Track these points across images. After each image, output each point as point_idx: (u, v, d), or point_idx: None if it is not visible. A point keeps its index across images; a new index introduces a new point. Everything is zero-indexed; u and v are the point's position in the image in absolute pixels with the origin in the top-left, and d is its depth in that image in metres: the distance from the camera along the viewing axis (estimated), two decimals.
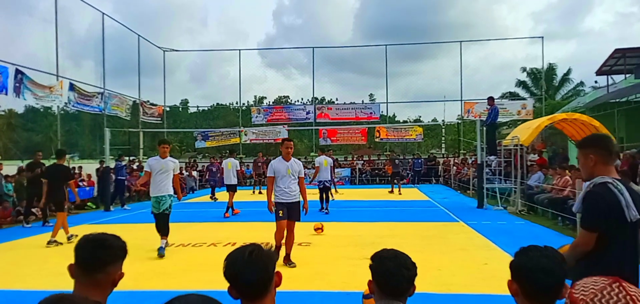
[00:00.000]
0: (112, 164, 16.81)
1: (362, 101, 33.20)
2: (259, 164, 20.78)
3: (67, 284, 1.74)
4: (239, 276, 1.76)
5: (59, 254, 8.37)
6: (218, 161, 20.18)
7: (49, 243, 9.16)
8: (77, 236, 8.94)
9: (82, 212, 15.10)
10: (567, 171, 11.99)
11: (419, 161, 26.89)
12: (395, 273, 1.97)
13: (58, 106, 18.92)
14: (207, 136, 28.83)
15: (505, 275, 1.97)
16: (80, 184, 17.00)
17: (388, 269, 1.98)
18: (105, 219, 13.56)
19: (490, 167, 15.50)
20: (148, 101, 27.21)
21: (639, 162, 11.78)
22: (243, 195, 20.31)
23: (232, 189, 13.79)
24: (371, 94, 37.62)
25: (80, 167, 18.55)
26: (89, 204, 16.41)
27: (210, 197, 18.40)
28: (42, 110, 33.33)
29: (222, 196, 17.16)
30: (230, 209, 13.30)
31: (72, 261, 1.86)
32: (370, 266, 2.04)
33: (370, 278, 2.04)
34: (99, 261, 1.82)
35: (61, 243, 9.26)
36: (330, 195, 14.47)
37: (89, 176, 18.14)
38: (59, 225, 9.59)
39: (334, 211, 13.68)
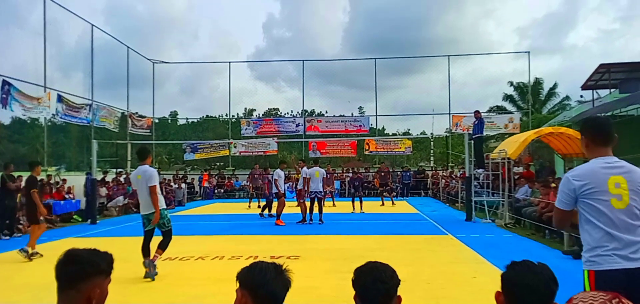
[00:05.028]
0: (99, 177, 16.64)
1: (352, 114, 33.25)
2: (256, 176, 19.78)
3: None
4: (267, 286, 1.80)
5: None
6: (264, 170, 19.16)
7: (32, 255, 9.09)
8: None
9: (68, 225, 14.91)
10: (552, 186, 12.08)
11: (408, 173, 27.01)
12: (371, 287, 1.96)
13: (45, 118, 18.74)
14: (196, 148, 28.69)
15: (493, 288, 1.99)
16: (67, 196, 16.81)
17: (364, 284, 1.98)
18: (91, 232, 13.40)
19: (479, 180, 15.61)
20: (136, 113, 27.04)
21: None
22: (236, 208, 20.20)
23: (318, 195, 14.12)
24: (360, 107, 37.74)
25: (64, 180, 18.28)
26: (75, 217, 16.20)
27: (265, 213, 15.95)
28: (29, 121, 32.92)
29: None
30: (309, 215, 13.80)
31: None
32: (352, 280, 2.03)
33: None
34: (67, 277, 1.77)
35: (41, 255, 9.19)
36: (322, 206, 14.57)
37: (70, 187, 17.78)
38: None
39: (321, 224, 13.68)
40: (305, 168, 14.40)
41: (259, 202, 19.82)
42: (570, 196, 2.93)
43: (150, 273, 7.04)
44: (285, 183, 14.76)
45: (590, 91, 25.22)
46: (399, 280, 2.02)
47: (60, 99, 18.65)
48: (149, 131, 27.80)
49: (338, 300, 5.80)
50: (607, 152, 2.97)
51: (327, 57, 75.09)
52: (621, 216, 2.81)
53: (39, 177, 10.40)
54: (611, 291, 1.76)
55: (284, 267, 1.92)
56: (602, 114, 14.57)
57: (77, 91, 20.95)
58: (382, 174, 21.74)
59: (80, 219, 16.07)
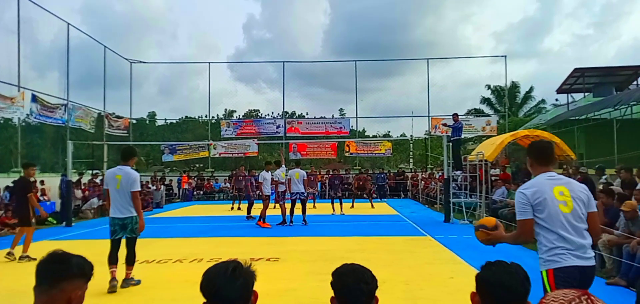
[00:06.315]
0: (75, 178, 16.33)
1: (332, 116, 33.40)
2: (240, 178, 19.33)
3: None
4: (219, 291, 1.74)
5: None
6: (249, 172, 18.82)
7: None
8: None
9: (42, 228, 14.56)
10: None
11: (382, 175, 27.22)
12: (354, 288, 1.96)
13: (19, 118, 18.32)
14: (175, 149, 28.35)
15: (470, 288, 2.02)
16: (42, 198, 16.45)
17: (346, 285, 1.97)
18: (66, 235, 13.15)
19: (457, 182, 15.79)
20: (113, 113, 26.62)
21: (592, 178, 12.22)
22: (216, 210, 20.05)
23: (302, 196, 14.08)
24: (341, 108, 37.88)
25: (42, 181, 17.91)
26: (49, 219, 15.83)
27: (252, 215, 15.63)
28: (2, 122, 32.15)
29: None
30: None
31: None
32: (331, 283, 2.03)
33: (332, 295, 2.03)
34: (52, 275, 1.75)
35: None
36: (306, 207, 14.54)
37: (45, 189, 17.45)
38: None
39: (300, 226, 13.65)
40: (279, 170, 14.24)
41: (239, 204, 19.68)
42: (526, 205, 3.33)
43: (131, 284, 6.83)
44: (271, 184, 14.52)
45: (565, 94, 25.83)
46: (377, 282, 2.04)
47: (34, 99, 18.26)
48: (126, 131, 27.40)
49: (317, 302, 5.80)
50: (549, 169, 3.45)
51: (307, 59, 75.13)
52: (569, 218, 3.22)
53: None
54: (568, 285, 1.85)
55: (245, 265, 1.85)
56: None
57: (52, 91, 20.58)
58: (361, 182, 22.15)
59: (55, 222, 15.71)
